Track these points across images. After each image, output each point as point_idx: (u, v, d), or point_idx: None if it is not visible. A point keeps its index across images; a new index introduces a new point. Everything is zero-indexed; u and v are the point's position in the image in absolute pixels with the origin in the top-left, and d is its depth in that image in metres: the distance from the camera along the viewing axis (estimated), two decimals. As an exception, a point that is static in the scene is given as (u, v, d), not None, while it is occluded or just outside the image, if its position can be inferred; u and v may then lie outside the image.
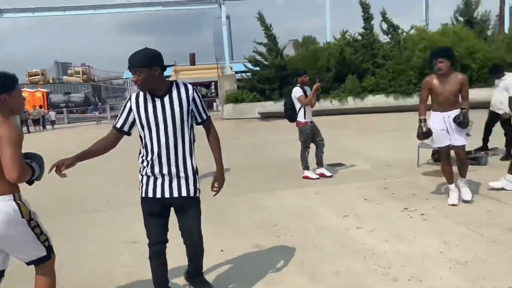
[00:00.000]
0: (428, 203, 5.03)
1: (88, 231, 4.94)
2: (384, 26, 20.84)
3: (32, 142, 17.15)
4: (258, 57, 22.18)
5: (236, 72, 25.21)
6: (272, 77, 20.85)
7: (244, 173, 7.49)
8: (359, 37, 20.70)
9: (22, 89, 39.46)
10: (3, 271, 2.64)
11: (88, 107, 37.38)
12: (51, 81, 48.24)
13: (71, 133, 20.97)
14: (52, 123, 26.82)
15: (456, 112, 4.70)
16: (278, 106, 20.27)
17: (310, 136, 6.71)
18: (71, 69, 53.84)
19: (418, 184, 5.99)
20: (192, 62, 50.15)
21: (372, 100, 18.98)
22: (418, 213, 4.66)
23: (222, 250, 4.01)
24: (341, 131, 12.36)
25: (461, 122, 4.64)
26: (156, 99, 2.74)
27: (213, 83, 38.08)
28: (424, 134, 4.87)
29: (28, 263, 2.61)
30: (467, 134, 4.92)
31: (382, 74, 19.07)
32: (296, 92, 6.61)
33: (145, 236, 2.99)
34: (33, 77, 46.38)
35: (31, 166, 2.49)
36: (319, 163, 6.79)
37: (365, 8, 20.55)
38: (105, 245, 4.38)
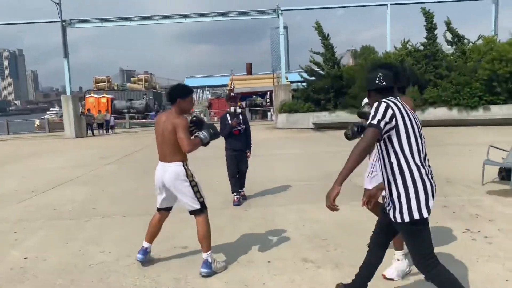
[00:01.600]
0: (493, 225, 4.65)
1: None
2: (449, 36, 19.91)
3: (96, 144, 18.11)
4: (314, 67, 22.05)
5: (292, 82, 25.19)
6: (328, 87, 20.60)
7: (295, 184, 7.38)
8: (421, 47, 19.94)
9: (89, 95, 41.93)
10: (171, 207, 4.01)
11: (149, 113, 38.90)
12: (115, 88, 50.85)
13: (132, 138, 21.88)
14: (112, 128, 28.11)
15: None
16: (332, 116, 19.97)
17: None
18: (134, 77, 56.50)
19: (482, 203, 5.58)
20: (249, 72, 50.88)
21: (433, 113, 18.14)
22: (482, 235, 4.32)
23: (269, 261, 3.93)
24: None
25: None
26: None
27: (268, 93, 38.27)
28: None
29: (190, 213, 3.79)
30: None
31: (445, 86, 18.20)
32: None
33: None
34: (99, 84, 49.13)
35: (199, 136, 3.72)
36: None
37: (429, 17, 19.76)
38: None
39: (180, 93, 3.74)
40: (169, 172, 3.70)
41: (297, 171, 8.70)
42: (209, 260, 3.70)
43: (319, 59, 21.97)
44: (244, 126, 6.22)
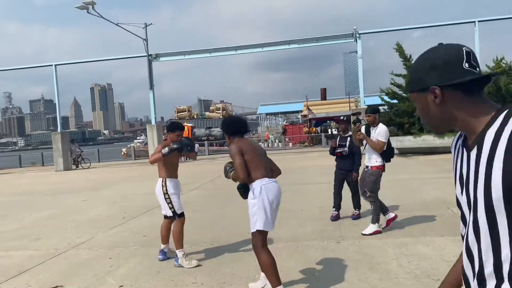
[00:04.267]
0: None
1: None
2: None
3: (180, 170, 18.70)
4: (396, 89, 21.12)
5: (369, 106, 24.35)
6: (411, 110, 19.54)
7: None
8: (517, 65, 18.29)
9: (171, 124, 44.19)
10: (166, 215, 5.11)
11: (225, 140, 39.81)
12: (195, 117, 53.06)
13: (210, 164, 22.36)
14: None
15: None
16: (417, 141, 18.81)
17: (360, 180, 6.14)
18: (212, 106, 58.68)
19: None
20: (323, 97, 50.57)
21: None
22: None
23: (375, 303, 3.52)
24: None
25: None
26: None
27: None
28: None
29: (164, 217, 5.16)
30: None
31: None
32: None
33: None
34: (180, 113, 51.58)
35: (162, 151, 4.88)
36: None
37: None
38: (247, 281, 4.22)
39: (169, 128, 5.11)
40: (156, 185, 5.03)
41: (389, 200, 8.09)
42: (178, 255, 4.81)
43: (400, 81, 21.04)
44: (346, 149, 6.58)
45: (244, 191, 4.04)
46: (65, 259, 5.52)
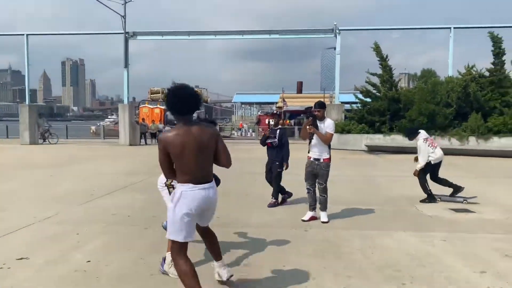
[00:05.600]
0: None
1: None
2: (517, 62, 18.85)
3: (149, 152, 18.51)
4: (370, 88, 21.53)
5: (343, 103, 24.68)
6: (384, 109, 20.02)
7: (356, 207, 7.03)
8: (487, 73, 18.97)
9: (143, 105, 43.27)
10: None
11: (199, 125, 39.56)
12: (168, 99, 52.23)
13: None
14: (166, 137, 28.79)
15: None
16: (387, 140, 19.33)
17: (307, 174, 6.13)
18: (187, 90, 57.87)
19: None
20: (299, 90, 50.91)
21: (498, 142, 17.07)
22: None
23: (340, 290, 3.66)
24: (461, 174, 11.18)
25: None
26: None
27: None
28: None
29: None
30: None
31: (512, 114, 17.13)
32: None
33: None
34: (154, 95, 50.59)
35: None
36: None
37: (497, 42, 18.82)
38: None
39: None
40: (159, 178, 4.36)
41: (356, 194, 8.33)
42: (167, 260, 3.97)
43: (375, 80, 21.46)
44: (276, 141, 7.06)
45: None
46: (31, 233, 5.42)
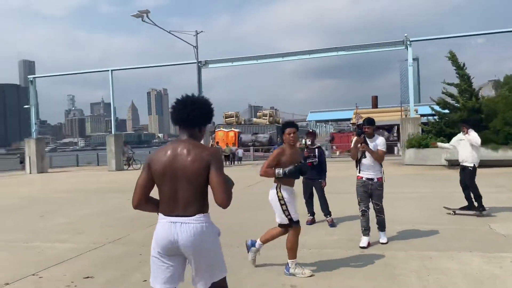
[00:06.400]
0: None
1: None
2: None
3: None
4: (448, 99, 20.37)
5: (423, 115, 23.60)
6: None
7: (419, 227, 6.66)
8: None
9: (219, 129, 44.93)
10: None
11: (271, 146, 40.11)
12: (242, 122, 53.76)
13: (254, 170, 22.62)
14: (239, 159, 29.62)
15: None
16: (469, 153, 18.04)
17: (361, 195, 5.76)
18: (260, 112, 59.15)
19: None
20: (374, 105, 49.52)
21: None
22: None
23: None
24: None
25: None
26: None
27: (395, 126, 36.45)
28: None
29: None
30: None
31: None
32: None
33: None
34: (228, 119, 52.46)
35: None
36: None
37: None
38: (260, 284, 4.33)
39: (282, 128, 4.79)
40: (270, 192, 4.64)
41: (424, 213, 7.89)
42: (290, 265, 4.52)
43: (453, 90, 20.27)
44: (317, 159, 7.10)
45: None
46: (100, 253, 5.90)
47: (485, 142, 17.79)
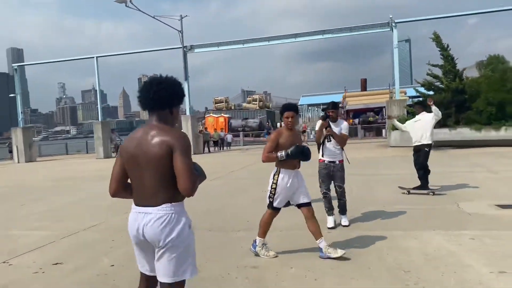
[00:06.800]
0: None
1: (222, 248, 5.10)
2: None
3: (211, 160, 19.18)
4: (433, 80, 20.45)
5: (412, 97, 23.69)
6: (448, 102, 18.87)
7: (393, 208, 6.78)
8: None
9: (209, 115, 44.77)
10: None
11: (261, 131, 40.15)
12: (232, 108, 53.61)
13: (243, 155, 22.69)
14: (228, 144, 29.66)
15: None
16: (453, 134, 18.20)
17: (323, 177, 5.86)
18: (249, 97, 58.97)
19: None
20: (363, 88, 49.45)
21: None
22: None
23: (337, 291, 3.62)
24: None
25: None
26: None
27: (384, 109, 36.56)
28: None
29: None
30: None
31: None
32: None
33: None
34: (218, 104, 52.30)
35: None
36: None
37: None
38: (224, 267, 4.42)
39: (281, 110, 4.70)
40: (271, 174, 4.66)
41: (399, 194, 8.03)
42: (258, 242, 4.63)
43: (438, 71, 20.34)
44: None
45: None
46: (74, 240, 5.96)
47: (468, 123, 18.04)
